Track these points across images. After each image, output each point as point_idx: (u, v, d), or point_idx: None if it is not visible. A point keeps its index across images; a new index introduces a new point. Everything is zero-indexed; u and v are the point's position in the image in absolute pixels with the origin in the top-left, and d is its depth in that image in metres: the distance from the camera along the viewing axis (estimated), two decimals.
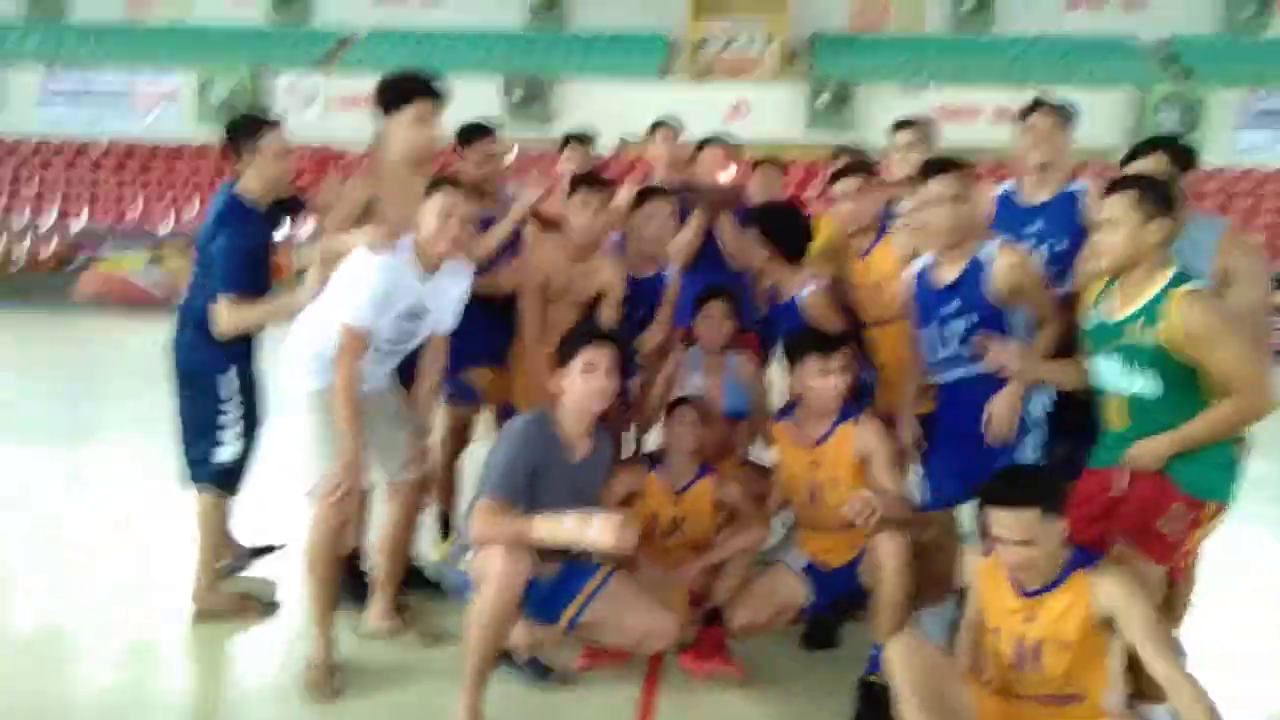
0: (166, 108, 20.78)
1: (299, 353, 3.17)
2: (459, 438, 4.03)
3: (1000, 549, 2.46)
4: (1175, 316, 2.54)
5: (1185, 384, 2.59)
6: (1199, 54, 20.19)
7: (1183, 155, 3.15)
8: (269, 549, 4.01)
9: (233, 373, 3.44)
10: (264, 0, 23.04)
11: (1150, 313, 2.59)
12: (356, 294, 2.99)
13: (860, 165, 3.84)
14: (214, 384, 3.42)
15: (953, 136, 16.29)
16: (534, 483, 2.89)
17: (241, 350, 3.47)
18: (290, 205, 3.70)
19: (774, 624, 3.40)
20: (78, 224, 17.19)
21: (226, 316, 3.33)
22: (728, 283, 4.01)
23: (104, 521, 4.72)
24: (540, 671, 3.11)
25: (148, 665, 3.24)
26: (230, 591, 3.63)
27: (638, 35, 21.80)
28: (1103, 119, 18.56)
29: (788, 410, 3.45)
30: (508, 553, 2.69)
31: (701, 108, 18.47)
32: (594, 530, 2.71)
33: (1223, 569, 3.30)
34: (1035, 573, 2.45)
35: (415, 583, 3.66)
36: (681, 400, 3.66)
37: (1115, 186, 2.69)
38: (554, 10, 22.37)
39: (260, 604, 3.61)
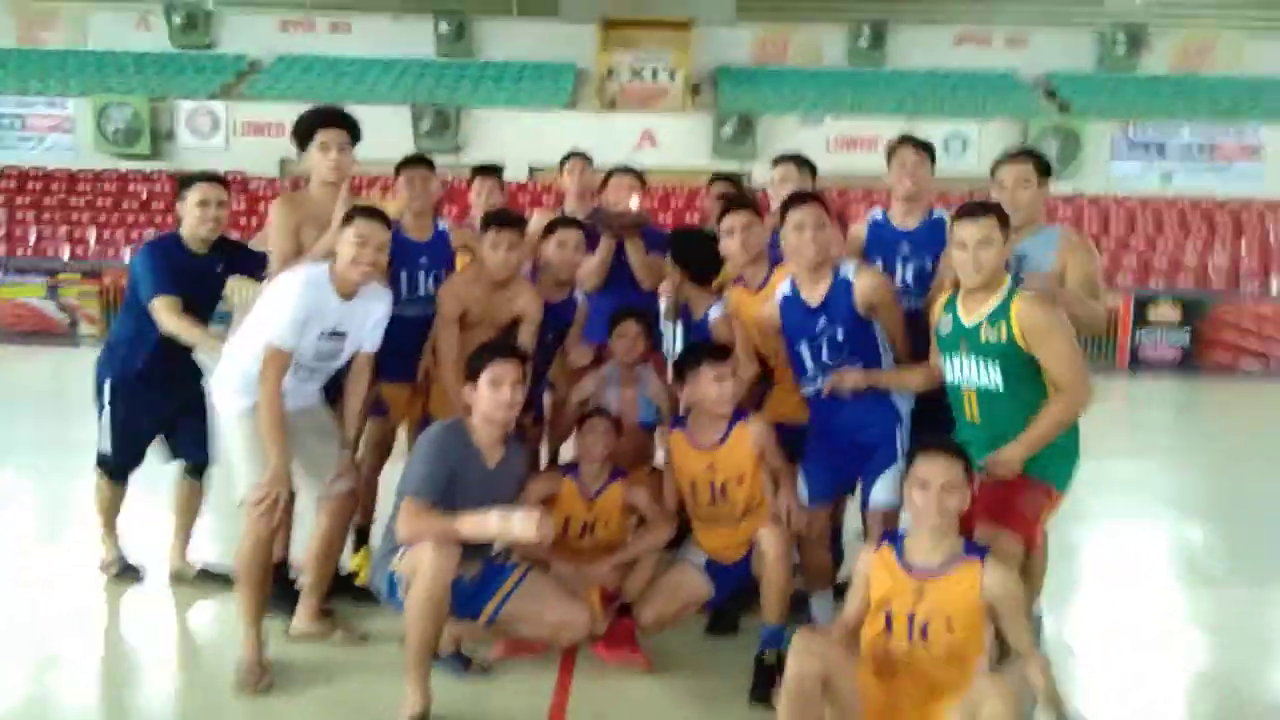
0: (61, 136, 20.27)
1: (228, 372, 3.34)
2: (380, 452, 4.20)
3: (918, 499, 2.72)
4: (1018, 317, 2.94)
5: (1027, 378, 3.01)
6: (1076, 89, 21.50)
7: (1044, 165, 3.62)
8: (222, 579, 4.05)
9: (107, 383, 3.95)
10: (165, 26, 22.64)
11: (998, 316, 2.99)
12: (279, 315, 3.18)
13: (740, 199, 4.06)
14: (99, 386, 3.97)
15: (849, 165, 17.16)
16: (452, 487, 3.10)
17: (121, 366, 3.93)
18: (250, 259, 4.10)
19: (680, 617, 3.67)
20: None
21: (162, 316, 3.73)
22: (639, 303, 4.28)
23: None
24: (463, 663, 3.33)
25: (74, 671, 3.34)
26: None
27: (546, 65, 22.14)
28: (989, 148, 19.55)
29: (681, 421, 3.71)
30: (437, 547, 2.90)
31: (610, 137, 18.89)
32: (516, 525, 2.94)
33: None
34: (945, 523, 2.72)
35: (340, 589, 3.83)
36: (594, 412, 3.92)
37: (978, 210, 3.05)
38: (463, 40, 22.54)
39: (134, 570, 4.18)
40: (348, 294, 3.33)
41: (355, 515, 4.09)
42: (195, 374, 4.01)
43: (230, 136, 20.41)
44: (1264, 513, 6.12)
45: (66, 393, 10.58)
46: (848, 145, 19.57)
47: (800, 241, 3.44)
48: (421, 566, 2.89)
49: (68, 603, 3.93)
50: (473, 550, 3.12)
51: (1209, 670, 3.69)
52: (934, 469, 2.71)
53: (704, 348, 3.65)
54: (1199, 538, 5.55)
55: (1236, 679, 3.58)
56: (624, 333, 4.11)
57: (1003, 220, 3.05)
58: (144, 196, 18.84)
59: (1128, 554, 5.20)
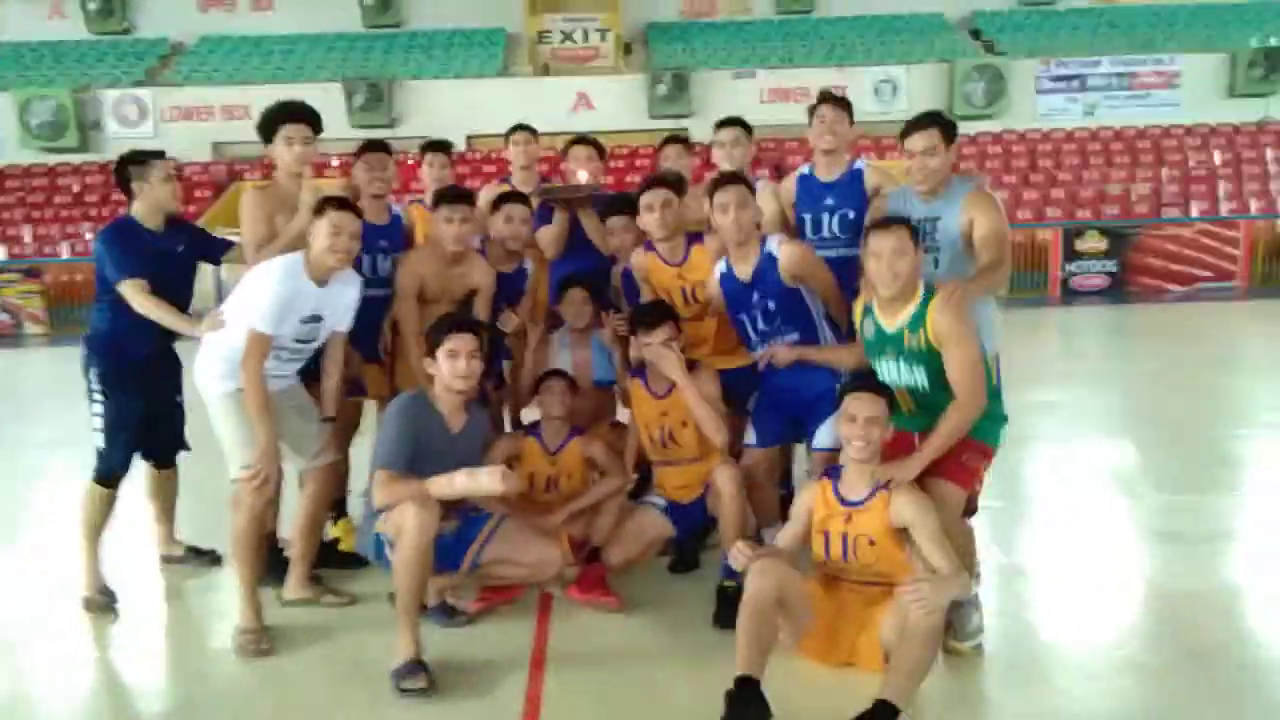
0: None
1: (211, 357, 3.54)
2: (349, 428, 4.42)
3: (846, 431, 3.11)
4: (933, 324, 3.19)
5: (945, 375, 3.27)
6: (1000, 27, 21.93)
7: (950, 129, 3.75)
8: (209, 554, 4.32)
9: (93, 372, 3.84)
10: (81, 13, 22.06)
11: (916, 323, 3.24)
12: (259, 302, 3.40)
13: (663, 177, 4.17)
14: (86, 378, 3.88)
15: (781, 117, 17.40)
16: (420, 452, 3.35)
17: (105, 351, 3.84)
18: (209, 243, 4.12)
19: (645, 556, 4.00)
20: None
21: (131, 296, 3.73)
22: (591, 269, 4.50)
23: None
24: (448, 613, 3.61)
25: (79, 647, 3.56)
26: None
27: (477, 32, 22.01)
28: (918, 91, 20.01)
29: (639, 371, 4.01)
30: (419, 505, 3.16)
31: (545, 102, 18.97)
32: (483, 479, 3.21)
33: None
34: (870, 450, 3.10)
35: (324, 557, 4.08)
36: (551, 373, 4.18)
37: (890, 223, 3.29)
38: (390, 10, 22.27)
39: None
40: (322, 280, 3.55)
41: None
42: (177, 364, 4.08)
43: (158, 123, 20.11)
44: (1181, 427, 6.59)
45: (18, 393, 10.60)
46: (781, 97, 19.83)
47: (725, 221, 3.71)
48: (406, 525, 3.15)
49: (62, 589, 4.11)
50: (450, 507, 3.38)
51: (1140, 572, 4.04)
52: (860, 405, 3.11)
53: (647, 312, 3.89)
54: (1124, 453, 5.98)
55: (1161, 577, 3.96)
56: (571, 299, 4.35)
57: (913, 232, 3.29)
58: (75, 190, 18.56)
59: (1061, 472, 5.62)
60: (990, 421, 3.35)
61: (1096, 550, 4.27)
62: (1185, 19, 21.60)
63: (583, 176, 4.66)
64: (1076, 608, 3.69)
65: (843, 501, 3.19)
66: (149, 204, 3.86)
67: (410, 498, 3.19)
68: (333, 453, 3.81)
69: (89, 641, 3.65)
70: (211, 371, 3.54)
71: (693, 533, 4.11)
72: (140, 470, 4.16)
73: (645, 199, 4.01)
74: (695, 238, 4.12)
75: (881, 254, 3.22)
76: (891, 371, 3.35)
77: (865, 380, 3.23)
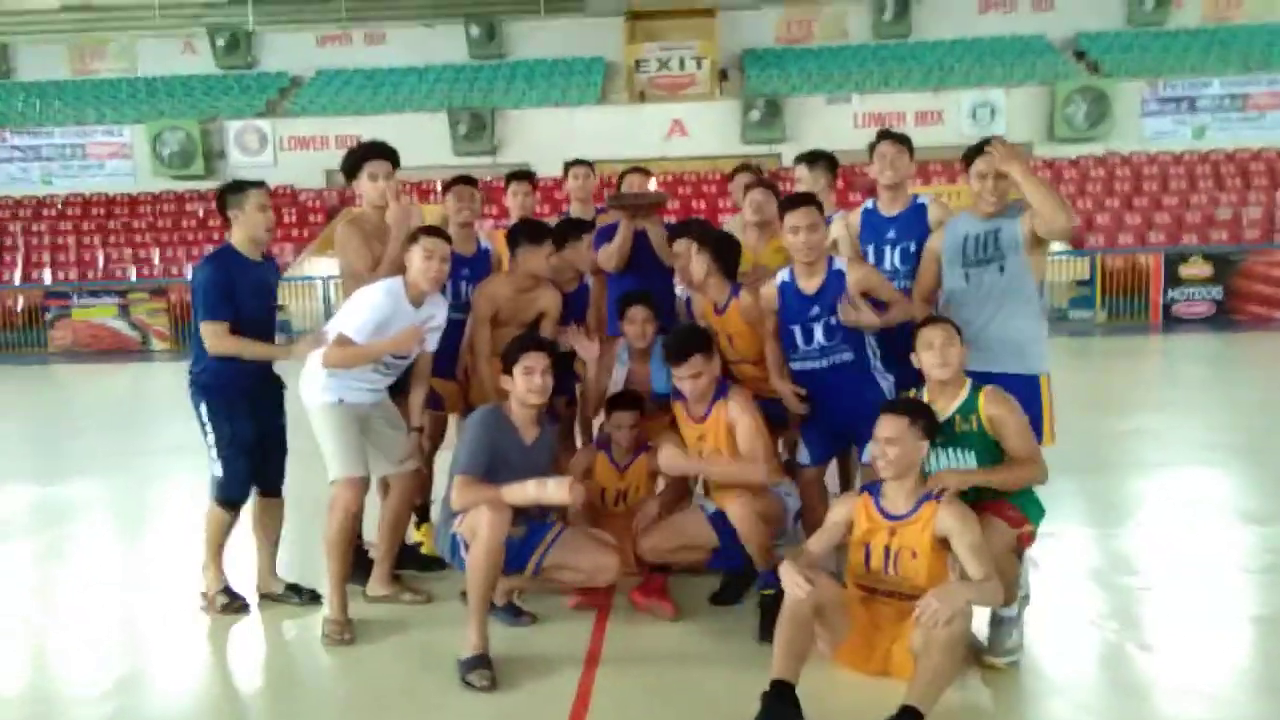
0: (121, 162, 21.28)
1: (314, 370, 3.92)
2: (434, 440, 4.75)
3: (875, 452, 3.31)
4: (983, 408, 3.43)
5: (996, 460, 3.46)
6: (1105, 48, 21.47)
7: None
8: (309, 593, 4.23)
9: (203, 405, 3.99)
10: (209, 49, 23.57)
11: (966, 408, 3.47)
12: (359, 317, 3.81)
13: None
14: (197, 412, 4.04)
15: None
16: (495, 462, 3.65)
17: (211, 382, 3.97)
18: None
19: (680, 557, 4.12)
20: (44, 278, 17.67)
21: (209, 340, 3.91)
22: (659, 283, 4.71)
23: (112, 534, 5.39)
24: (514, 612, 3.89)
25: (171, 644, 3.95)
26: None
27: (576, 61, 22.64)
28: (1017, 113, 19.77)
29: (681, 394, 4.10)
30: (492, 510, 3.46)
31: (641, 129, 19.42)
32: (551, 489, 3.52)
33: None
34: (894, 469, 3.26)
35: (407, 559, 4.42)
36: (622, 402, 4.39)
37: (937, 319, 3.58)
38: (494, 41, 23.13)
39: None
40: (418, 301, 3.92)
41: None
42: (280, 386, 4.21)
43: (277, 152, 21.29)
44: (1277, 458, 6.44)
45: (145, 405, 11.43)
46: (876, 121, 19.79)
47: (795, 242, 3.96)
48: (480, 528, 3.45)
49: (159, 595, 4.54)
50: (518, 514, 3.66)
51: (1214, 599, 4.00)
52: (880, 425, 3.32)
53: (671, 342, 4.01)
54: (1215, 483, 5.89)
55: (1235, 606, 3.94)
56: (633, 318, 4.47)
57: (958, 330, 3.54)
58: (200, 215, 19.79)
59: (1148, 498, 5.60)
60: (1032, 504, 3.53)
61: (1174, 576, 4.31)
62: None
63: (651, 185, 4.91)
64: (1146, 632, 3.74)
65: (886, 515, 3.35)
66: (245, 232, 4.01)
67: (485, 502, 3.49)
68: (416, 460, 4.14)
69: (197, 629, 4.04)
70: (314, 384, 3.91)
71: (745, 568, 4.03)
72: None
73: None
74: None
75: (934, 344, 3.48)
76: (940, 460, 3.53)
77: (892, 403, 3.44)
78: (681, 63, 21.84)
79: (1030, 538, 3.56)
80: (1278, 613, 3.89)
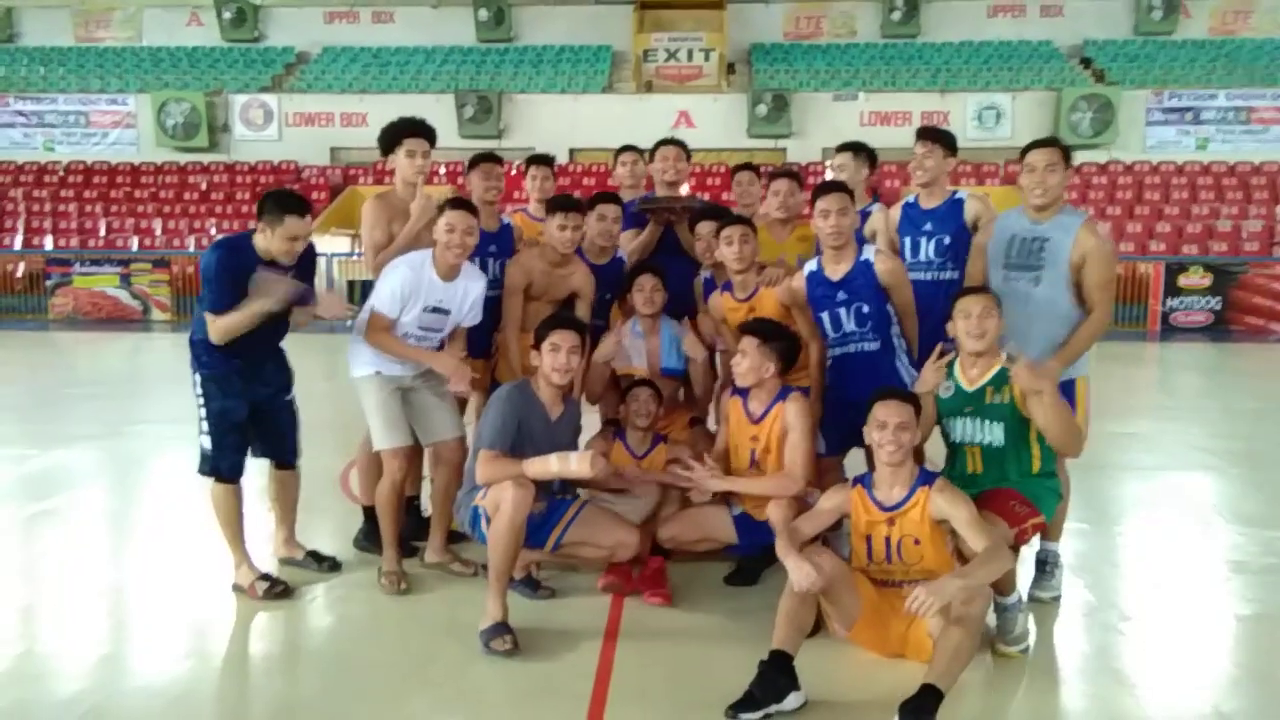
0: (125, 131, 21.21)
1: (356, 343, 4.04)
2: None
3: (877, 437, 3.33)
4: (1016, 382, 3.46)
5: (1023, 435, 3.55)
6: (1112, 56, 21.56)
7: (1068, 153, 3.91)
8: (329, 560, 4.31)
9: (198, 376, 3.93)
10: (215, 21, 23.47)
11: (999, 380, 3.53)
12: (384, 289, 3.90)
13: (727, 213, 4.50)
14: (193, 381, 3.97)
15: (883, 139, 17.52)
16: (520, 436, 3.72)
17: (209, 358, 3.89)
18: (304, 289, 3.98)
19: (697, 548, 4.21)
20: (46, 245, 17.63)
21: (213, 330, 3.80)
22: (682, 276, 4.73)
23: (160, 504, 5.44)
24: (533, 586, 3.97)
25: (217, 586, 4.02)
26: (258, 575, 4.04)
27: (584, 49, 22.63)
28: (1023, 118, 19.86)
29: (743, 391, 4.11)
30: (517, 484, 3.53)
31: (647, 119, 19.40)
32: (574, 463, 3.59)
33: None
34: (902, 454, 3.32)
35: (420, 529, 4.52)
36: (639, 383, 4.43)
37: (977, 290, 3.65)
38: (502, 25, 23.09)
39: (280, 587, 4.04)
40: (448, 275, 3.99)
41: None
42: (284, 363, 4.16)
43: (282, 128, 21.24)
44: (1270, 466, 6.56)
45: (144, 375, 11.45)
46: (882, 120, 19.91)
47: (825, 225, 4.03)
48: (503, 501, 3.52)
49: (155, 565, 4.59)
50: (539, 490, 3.73)
51: (1255, 606, 4.07)
52: (889, 411, 3.35)
53: (747, 325, 4.05)
54: (1205, 486, 6.02)
55: (1218, 601, 4.06)
56: (641, 286, 4.51)
57: (996, 300, 3.59)
58: (204, 188, 19.76)
59: (1139, 499, 5.71)
60: (1048, 492, 3.61)
61: (1173, 573, 4.41)
62: None
63: (684, 190, 4.97)
64: (1147, 625, 3.85)
65: (882, 507, 3.39)
66: (265, 241, 3.81)
67: (509, 477, 3.56)
68: (459, 429, 4.23)
69: (205, 598, 4.10)
70: (356, 357, 4.05)
71: (761, 550, 4.09)
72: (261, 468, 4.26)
73: (725, 232, 4.27)
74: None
75: (971, 313, 3.54)
76: (967, 430, 3.61)
77: (891, 388, 3.50)
78: (690, 54, 21.86)
79: (1038, 528, 3.62)
80: (1273, 610, 3.99)
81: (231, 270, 3.75)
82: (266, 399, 4.06)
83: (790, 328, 4.18)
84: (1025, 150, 3.94)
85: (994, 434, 3.56)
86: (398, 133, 4.29)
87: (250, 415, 4.00)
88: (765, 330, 3.97)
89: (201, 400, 3.94)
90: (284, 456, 4.23)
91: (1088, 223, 3.86)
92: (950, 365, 3.69)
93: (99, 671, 3.37)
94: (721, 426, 4.24)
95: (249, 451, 4.09)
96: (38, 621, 3.85)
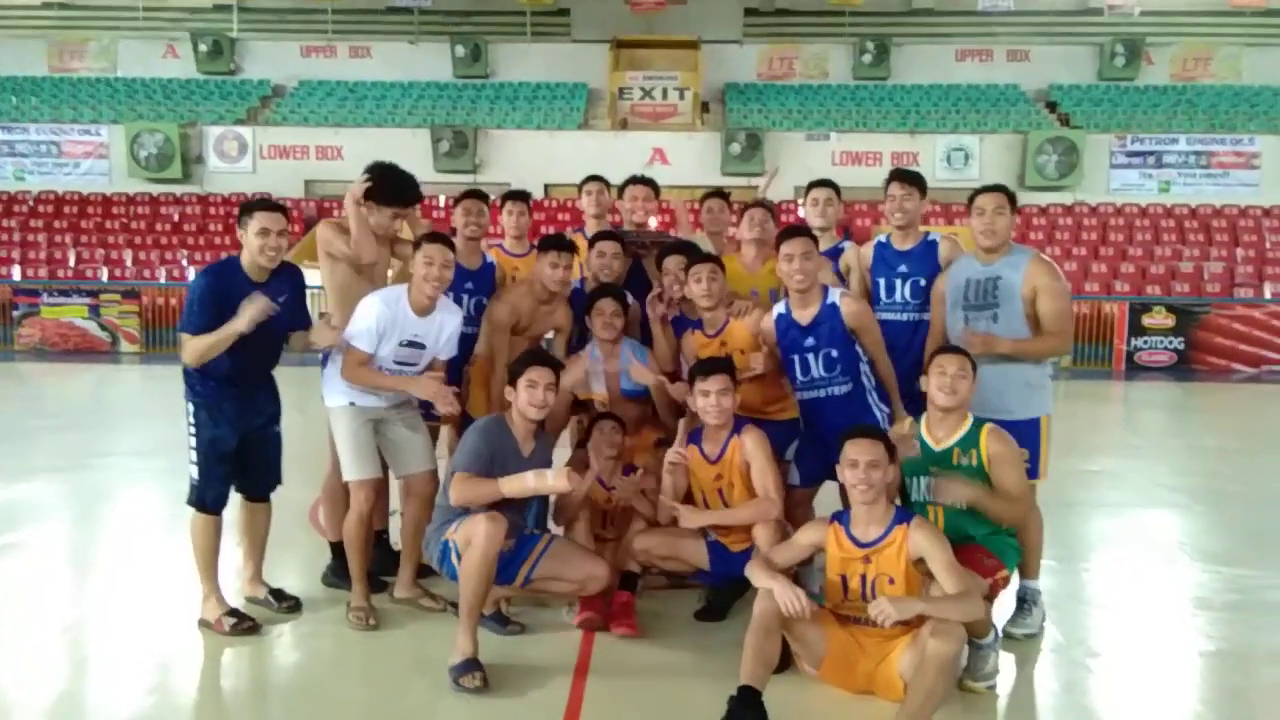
0: (97, 161, 21.08)
1: (331, 374, 4.04)
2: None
3: (849, 476, 3.34)
4: (985, 445, 3.56)
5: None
6: (1076, 101, 22.05)
7: (1013, 198, 4.11)
8: (292, 600, 4.23)
9: (190, 405, 3.91)
10: (191, 54, 23.47)
11: (967, 442, 3.60)
12: (359, 324, 3.91)
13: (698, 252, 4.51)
14: (185, 412, 3.94)
15: (854, 179, 17.74)
16: (493, 467, 3.71)
17: (202, 386, 3.87)
18: (300, 312, 4.09)
19: (666, 565, 4.20)
20: (14, 274, 17.42)
21: (186, 352, 3.80)
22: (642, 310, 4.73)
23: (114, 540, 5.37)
24: (502, 620, 3.95)
25: (177, 622, 3.96)
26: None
27: (560, 86, 22.83)
28: (991, 160, 20.21)
29: (695, 435, 4.16)
30: (489, 519, 3.53)
31: (622, 156, 19.55)
32: (550, 478, 3.65)
33: None
34: (874, 493, 3.33)
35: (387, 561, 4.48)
36: (602, 415, 4.43)
37: (954, 349, 3.71)
38: (479, 62, 23.26)
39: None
40: (423, 310, 4.01)
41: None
42: (275, 395, 4.15)
43: (256, 159, 21.18)
44: (1255, 500, 6.69)
45: (112, 407, 11.31)
46: (853, 160, 20.19)
47: (789, 269, 4.07)
48: (475, 535, 3.51)
49: (121, 599, 4.53)
50: (510, 528, 3.72)
51: (1218, 643, 4.12)
52: (859, 449, 3.36)
53: (698, 364, 4.08)
54: (1168, 524, 6.10)
55: (1184, 638, 4.13)
56: (601, 309, 4.43)
57: (972, 362, 3.67)
58: (176, 219, 19.64)
59: (1105, 536, 5.78)
60: (1010, 549, 3.69)
61: (1137, 609, 4.47)
62: (1267, 100, 21.48)
63: (652, 224, 5.02)
64: (1111, 661, 3.89)
65: (858, 544, 3.39)
66: (246, 253, 3.87)
67: (484, 496, 3.59)
68: (431, 462, 4.23)
69: (171, 634, 4.04)
70: (330, 387, 4.07)
71: (731, 582, 4.09)
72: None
73: (694, 270, 4.30)
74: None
75: (946, 370, 3.60)
76: (927, 489, 3.62)
77: (863, 426, 3.53)
78: (665, 93, 22.11)
79: (1005, 581, 3.70)
80: (1237, 647, 4.05)
81: (216, 293, 3.76)
82: (258, 429, 4.04)
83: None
84: (973, 196, 4.11)
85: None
86: (385, 195, 4.29)
87: (239, 446, 3.98)
88: (713, 367, 3.99)
89: (193, 429, 3.91)
90: (260, 489, 4.17)
91: (1035, 258, 4.06)
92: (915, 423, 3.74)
93: (61, 707, 3.32)
94: (678, 473, 4.14)
95: (230, 482, 4.04)
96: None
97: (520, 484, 3.65)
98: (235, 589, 4.26)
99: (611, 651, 3.81)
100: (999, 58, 23.03)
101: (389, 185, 4.30)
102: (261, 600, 4.20)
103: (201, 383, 3.89)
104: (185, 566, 4.10)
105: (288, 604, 4.18)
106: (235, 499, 4.16)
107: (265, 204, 3.93)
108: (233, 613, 3.96)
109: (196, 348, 3.75)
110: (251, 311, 3.70)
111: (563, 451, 4.53)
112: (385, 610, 4.15)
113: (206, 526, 3.99)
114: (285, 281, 4.01)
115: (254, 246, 3.83)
